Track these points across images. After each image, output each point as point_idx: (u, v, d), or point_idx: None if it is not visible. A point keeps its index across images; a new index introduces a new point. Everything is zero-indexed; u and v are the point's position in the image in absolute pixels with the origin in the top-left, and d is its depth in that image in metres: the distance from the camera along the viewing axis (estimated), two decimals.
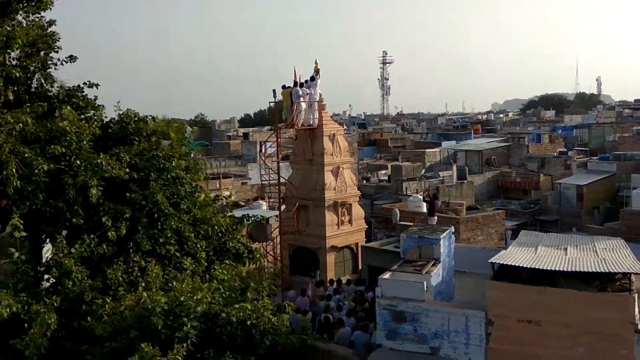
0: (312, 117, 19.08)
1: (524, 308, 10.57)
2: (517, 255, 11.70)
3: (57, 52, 13.05)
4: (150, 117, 13.03)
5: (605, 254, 11.89)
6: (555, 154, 49.32)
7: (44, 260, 11.79)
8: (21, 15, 12.68)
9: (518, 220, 32.56)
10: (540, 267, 10.80)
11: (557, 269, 10.72)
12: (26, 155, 10.68)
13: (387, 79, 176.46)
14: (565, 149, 53.73)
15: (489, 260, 11.53)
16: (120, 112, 12.77)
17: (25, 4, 12.53)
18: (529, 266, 10.90)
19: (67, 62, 13.26)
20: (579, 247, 12.63)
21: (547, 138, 59.34)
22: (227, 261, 13.08)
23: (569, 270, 10.68)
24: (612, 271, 10.67)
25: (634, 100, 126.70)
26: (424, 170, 42.89)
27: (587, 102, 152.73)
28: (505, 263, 11.18)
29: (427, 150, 50.45)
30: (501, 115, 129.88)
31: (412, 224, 20.54)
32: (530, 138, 59.75)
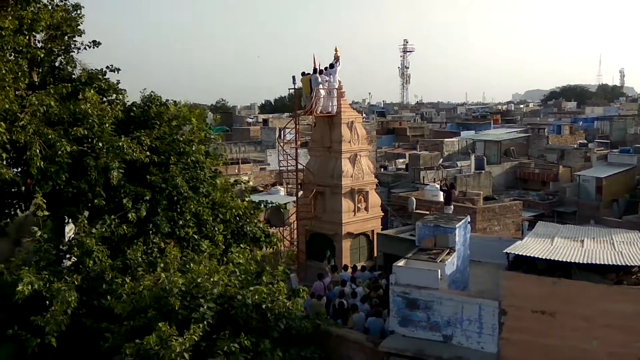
0: (331, 104, 19.10)
1: (539, 299, 10.57)
2: (532, 246, 11.69)
3: (80, 36, 13.22)
4: (172, 102, 13.18)
5: (623, 247, 11.83)
6: (575, 146, 48.81)
7: (66, 239, 12.03)
8: None
9: (536, 212, 32.34)
10: (556, 259, 10.78)
11: (572, 261, 10.69)
12: (50, 137, 10.88)
13: (408, 68, 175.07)
14: (585, 141, 53.10)
15: (504, 251, 11.55)
16: (144, 96, 12.94)
17: None
18: (544, 257, 10.89)
19: (90, 47, 13.43)
20: (596, 239, 12.56)
21: (567, 129, 58.76)
22: (242, 245, 13.27)
23: (585, 262, 10.65)
24: (628, 264, 10.63)
25: None
26: (441, 159, 42.73)
27: (609, 93, 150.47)
28: (520, 253, 11.18)
29: (446, 139, 50.22)
30: (521, 106, 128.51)
31: (428, 212, 20.54)
32: (551, 129, 59.20)
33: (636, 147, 39.72)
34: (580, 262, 10.67)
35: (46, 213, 10.84)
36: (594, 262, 10.63)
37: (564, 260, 10.73)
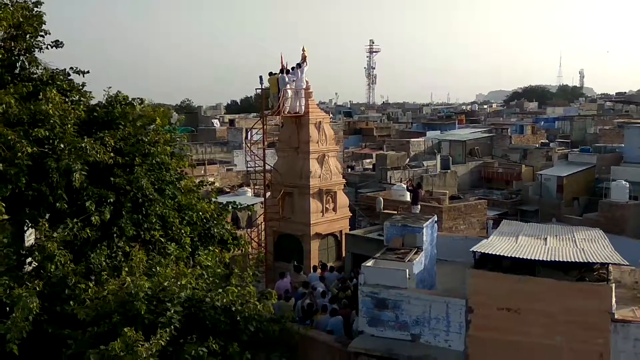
0: (298, 104, 19.06)
1: (504, 296, 10.76)
2: (497, 244, 11.90)
3: (43, 36, 12.83)
4: (138, 100, 12.91)
5: (584, 245, 12.14)
6: (537, 146, 49.89)
7: (26, 244, 11.68)
8: None
9: (500, 210, 32.95)
10: (520, 257, 11.00)
11: (536, 259, 10.92)
12: (9, 138, 10.54)
13: (374, 68, 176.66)
14: (547, 141, 54.35)
15: (470, 249, 11.72)
16: (109, 96, 12.65)
17: None
18: (509, 255, 11.10)
19: (52, 47, 13.06)
20: (559, 237, 12.87)
21: (529, 129, 60.02)
22: (211, 247, 13.11)
23: (549, 259, 10.90)
24: (590, 261, 10.91)
25: (616, 93, 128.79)
26: (408, 159, 43.12)
27: (569, 94, 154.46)
28: (486, 252, 11.36)
29: (412, 139, 50.74)
30: (485, 106, 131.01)
31: (395, 212, 20.69)
32: (513, 129, 60.38)
33: (596, 147, 40.80)
34: (544, 259, 10.91)
35: (5, 217, 10.49)
36: (557, 260, 10.88)
37: (529, 258, 10.95)
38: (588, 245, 12.10)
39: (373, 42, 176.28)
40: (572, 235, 12.99)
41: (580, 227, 14.69)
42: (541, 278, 10.69)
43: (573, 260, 10.90)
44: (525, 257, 10.95)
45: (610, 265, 11.06)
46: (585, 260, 10.88)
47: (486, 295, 10.91)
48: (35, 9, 12.80)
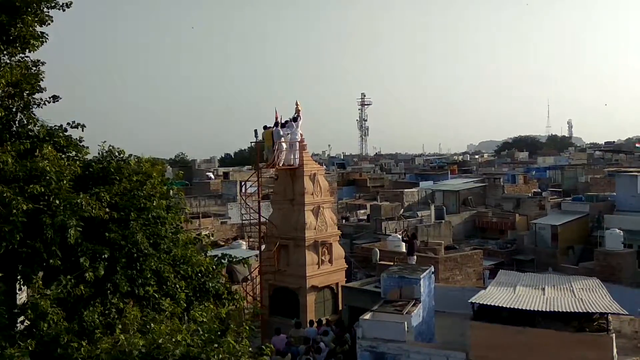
0: (293, 157, 19.26)
1: (505, 348, 10.62)
2: (496, 295, 11.82)
3: (41, 92, 12.99)
4: (135, 157, 12.97)
5: (583, 294, 12.08)
6: (529, 195, 50.17)
7: (18, 302, 11.48)
8: (5, 55, 12.66)
9: (495, 260, 32.80)
10: (520, 307, 10.91)
11: (536, 309, 10.84)
12: (4, 195, 10.51)
13: (366, 120, 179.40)
14: (539, 190, 54.71)
15: (469, 300, 11.63)
16: (104, 151, 12.71)
17: (9, 45, 12.51)
18: (508, 306, 11.01)
19: (50, 102, 13.20)
20: (557, 287, 12.81)
21: (521, 179, 60.47)
22: (206, 302, 12.90)
23: (548, 310, 10.82)
24: (590, 311, 10.83)
25: (605, 142, 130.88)
26: (402, 210, 43.18)
27: (558, 144, 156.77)
28: (485, 303, 11.27)
29: (406, 190, 50.97)
30: (476, 156, 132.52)
31: (392, 263, 20.57)
32: (505, 179, 60.84)
33: (588, 195, 41.09)
34: (543, 310, 10.82)
35: None
36: (556, 310, 10.80)
37: (528, 308, 10.86)
38: (586, 294, 12.04)
39: (365, 95, 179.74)
40: (570, 285, 12.94)
41: (577, 277, 14.67)
42: (542, 329, 10.59)
43: (572, 310, 10.83)
44: (524, 308, 10.87)
45: (609, 314, 10.98)
46: (585, 311, 10.81)
47: (487, 348, 10.76)
48: (34, 68, 13.00)
